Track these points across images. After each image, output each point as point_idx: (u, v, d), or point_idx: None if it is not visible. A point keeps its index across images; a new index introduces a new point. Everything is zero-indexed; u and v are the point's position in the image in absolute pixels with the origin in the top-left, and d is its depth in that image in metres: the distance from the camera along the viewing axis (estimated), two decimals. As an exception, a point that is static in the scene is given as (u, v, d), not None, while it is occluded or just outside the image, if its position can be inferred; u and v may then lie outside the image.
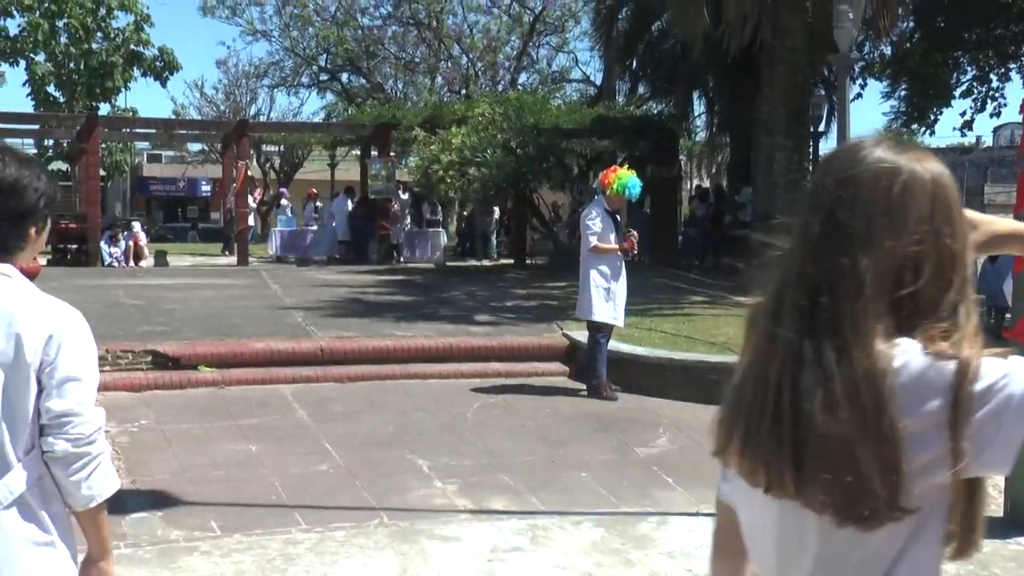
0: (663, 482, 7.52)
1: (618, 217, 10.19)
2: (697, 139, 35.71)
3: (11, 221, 2.64)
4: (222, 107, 41.91)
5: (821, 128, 24.43)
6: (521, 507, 6.83)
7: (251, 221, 25.83)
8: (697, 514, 6.76)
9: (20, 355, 2.52)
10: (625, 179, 10.10)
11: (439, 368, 10.88)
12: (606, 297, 10.02)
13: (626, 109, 25.27)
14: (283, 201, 29.36)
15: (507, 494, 7.10)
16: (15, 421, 2.53)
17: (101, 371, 9.72)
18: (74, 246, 22.66)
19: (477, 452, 8.17)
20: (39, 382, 2.54)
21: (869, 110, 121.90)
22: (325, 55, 39.31)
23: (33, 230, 2.69)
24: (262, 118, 40.73)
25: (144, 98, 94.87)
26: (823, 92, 23.29)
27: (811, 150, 20.40)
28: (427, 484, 7.27)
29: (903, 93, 28.95)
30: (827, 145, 28.19)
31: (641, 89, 29.67)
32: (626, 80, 29.07)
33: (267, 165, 43.62)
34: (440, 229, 26.02)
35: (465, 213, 31.33)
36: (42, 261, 10.81)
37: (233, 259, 23.33)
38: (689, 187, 37.09)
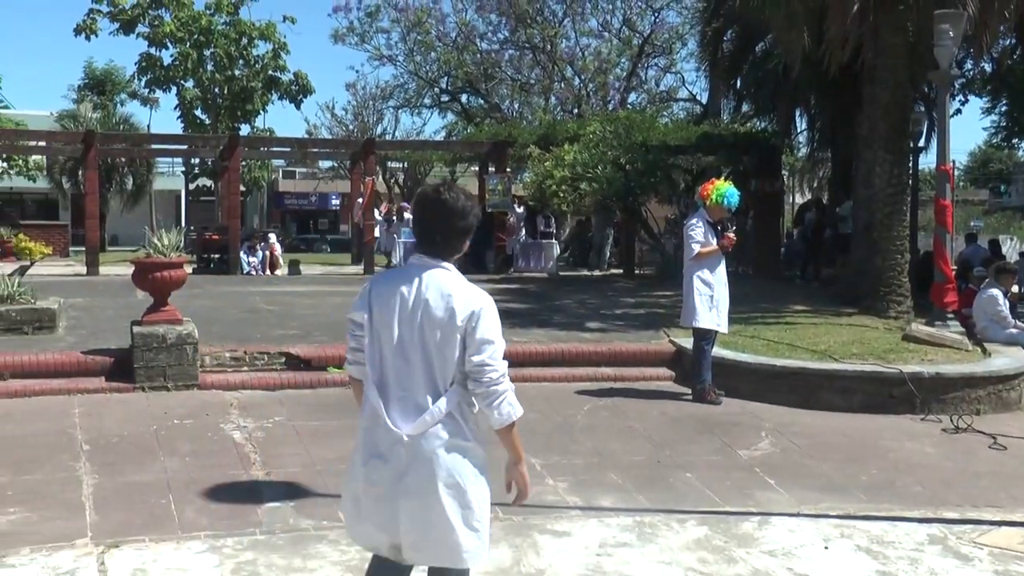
0: (765, 483, 7.39)
1: (720, 228, 10.01)
2: (799, 154, 35.08)
3: (460, 234, 3.65)
4: (351, 127, 42.69)
5: (921, 143, 23.80)
6: (628, 505, 6.78)
7: (376, 233, 26.15)
8: (798, 515, 6.63)
9: (452, 321, 3.54)
10: (723, 189, 9.93)
11: (551, 372, 10.87)
12: (710, 304, 9.89)
13: (731, 126, 24.95)
14: (406, 215, 29.72)
15: (615, 492, 7.05)
16: (445, 363, 3.58)
17: (239, 371, 9.88)
18: (216, 256, 23.12)
19: (587, 452, 8.14)
20: (463, 341, 3.55)
21: (969, 126, 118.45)
22: (446, 78, 39.79)
23: (468, 241, 3.69)
24: (387, 137, 41.39)
25: (280, 119, 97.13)
26: (923, 108, 22.66)
27: (911, 165, 19.87)
28: (539, 481, 7.25)
29: (1004, 108, 28.06)
30: (927, 160, 27.51)
31: (745, 107, 29.26)
32: (731, 99, 28.70)
33: (392, 180, 44.27)
34: (553, 241, 26.00)
35: (567, 228, 31.26)
36: (188, 270, 11.06)
37: (360, 268, 23.68)
38: (792, 200, 36.42)
